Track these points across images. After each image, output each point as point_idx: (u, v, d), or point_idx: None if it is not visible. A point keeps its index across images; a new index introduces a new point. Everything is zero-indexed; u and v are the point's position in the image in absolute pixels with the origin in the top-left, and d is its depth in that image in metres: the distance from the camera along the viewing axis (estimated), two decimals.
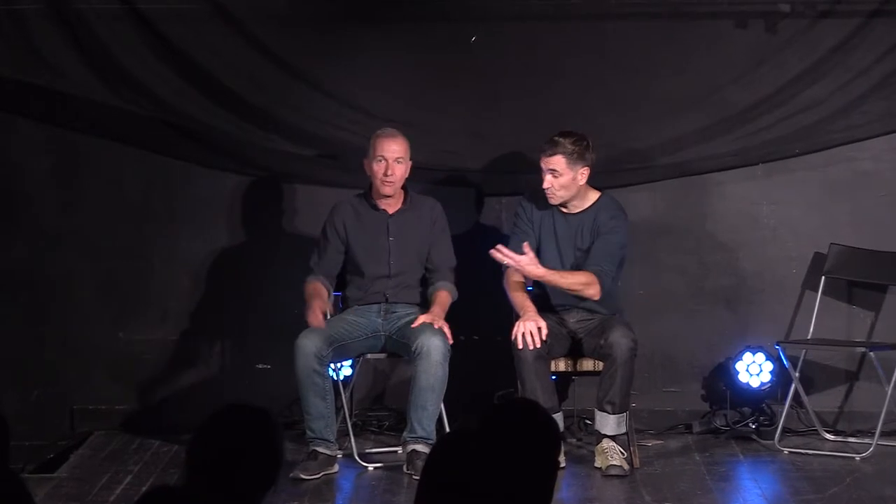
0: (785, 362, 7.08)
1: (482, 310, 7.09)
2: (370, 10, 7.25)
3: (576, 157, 6.66)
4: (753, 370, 7.31)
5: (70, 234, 7.47)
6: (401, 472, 6.59)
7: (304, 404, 6.59)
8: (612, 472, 6.54)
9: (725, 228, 7.44)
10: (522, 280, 6.76)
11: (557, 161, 6.66)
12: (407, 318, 6.72)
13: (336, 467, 6.67)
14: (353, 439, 6.80)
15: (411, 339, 6.57)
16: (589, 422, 7.06)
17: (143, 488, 6.33)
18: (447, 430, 6.66)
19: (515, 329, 6.57)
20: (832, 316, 7.32)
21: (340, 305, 6.87)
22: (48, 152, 7.45)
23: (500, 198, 7.41)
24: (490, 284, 6.82)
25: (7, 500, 3.45)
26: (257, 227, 7.50)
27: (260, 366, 7.47)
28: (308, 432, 6.62)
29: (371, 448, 7.04)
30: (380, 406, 7.51)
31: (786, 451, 6.99)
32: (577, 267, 6.74)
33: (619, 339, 6.55)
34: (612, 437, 6.60)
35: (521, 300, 6.71)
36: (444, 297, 6.76)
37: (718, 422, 7.32)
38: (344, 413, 6.83)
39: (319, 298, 6.69)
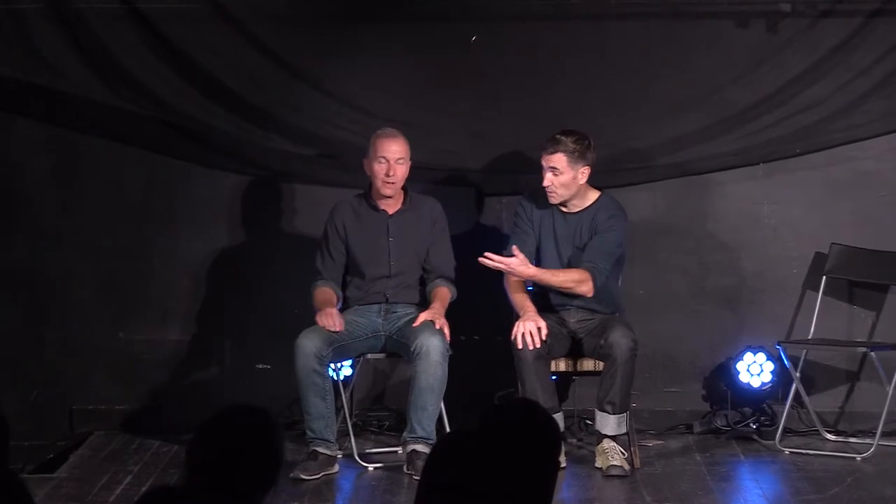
0: (786, 362, 7.08)
1: (482, 310, 7.09)
2: (370, 10, 7.25)
3: (577, 156, 6.66)
4: (754, 370, 7.30)
5: (70, 234, 7.46)
6: (401, 472, 6.58)
7: (304, 404, 6.58)
8: (613, 472, 6.54)
9: (726, 228, 7.43)
10: (522, 280, 6.76)
11: (558, 159, 6.66)
12: (407, 318, 6.71)
13: (336, 467, 6.66)
14: (353, 439, 6.80)
15: (411, 339, 6.56)
16: (589, 422, 7.05)
17: (143, 488, 6.32)
18: (447, 430, 6.65)
19: (515, 329, 6.57)
20: (833, 316, 7.31)
21: (340, 305, 6.86)
22: (48, 152, 7.44)
23: (501, 197, 7.41)
24: (490, 284, 6.81)
25: (7, 501, 3.44)
26: (257, 226, 7.49)
27: (260, 366, 7.47)
28: (308, 432, 6.61)
29: (371, 448, 7.03)
30: (380, 406, 7.51)
31: (787, 451, 6.99)
32: (575, 266, 6.73)
33: (619, 339, 6.55)
34: (613, 438, 6.59)
35: (521, 300, 6.71)
36: (443, 293, 6.76)
37: (719, 422, 7.32)
38: (344, 413, 6.83)
39: (331, 305, 6.68)
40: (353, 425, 6.98)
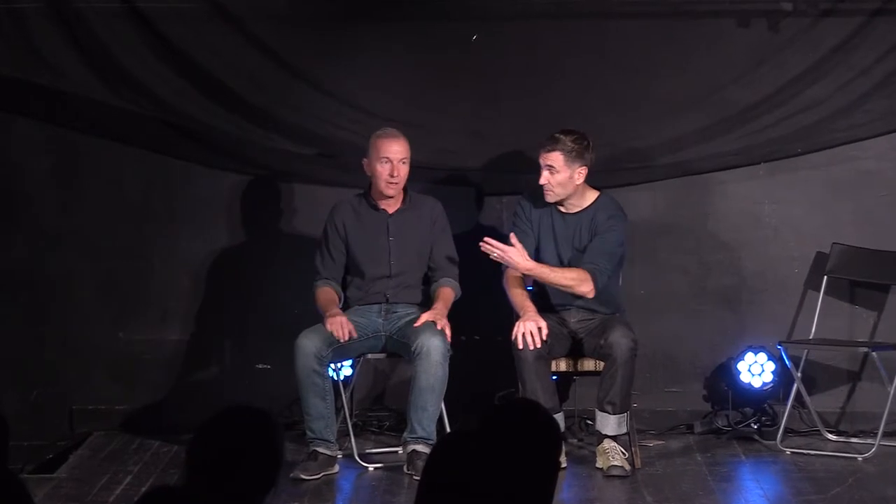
0: (787, 362, 7.07)
1: (482, 310, 7.08)
2: (370, 10, 7.24)
3: (574, 156, 6.65)
4: (755, 370, 7.30)
5: (70, 234, 7.46)
6: (401, 472, 6.58)
7: (304, 405, 6.58)
8: (614, 472, 6.53)
9: (727, 228, 7.43)
10: (522, 279, 6.75)
11: (555, 157, 6.65)
12: (408, 319, 6.71)
13: (336, 468, 6.66)
14: (353, 439, 6.79)
15: (411, 339, 6.56)
16: (590, 422, 7.04)
17: (143, 489, 6.31)
18: (447, 430, 6.64)
19: (516, 329, 6.56)
20: (834, 316, 7.30)
21: (341, 305, 6.85)
22: (48, 152, 7.44)
23: (501, 197, 7.41)
24: (490, 284, 6.81)
25: (6, 501, 3.44)
26: (257, 226, 7.49)
27: (260, 366, 7.46)
28: (308, 433, 6.61)
29: (371, 448, 7.03)
30: (380, 406, 7.50)
31: (788, 451, 6.98)
32: (574, 266, 6.72)
33: (619, 339, 6.54)
34: (614, 438, 6.59)
35: (521, 300, 6.70)
36: (446, 293, 6.75)
37: (720, 422, 7.31)
38: (344, 413, 6.82)
39: (336, 306, 6.67)
40: (354, 425, 6.97)
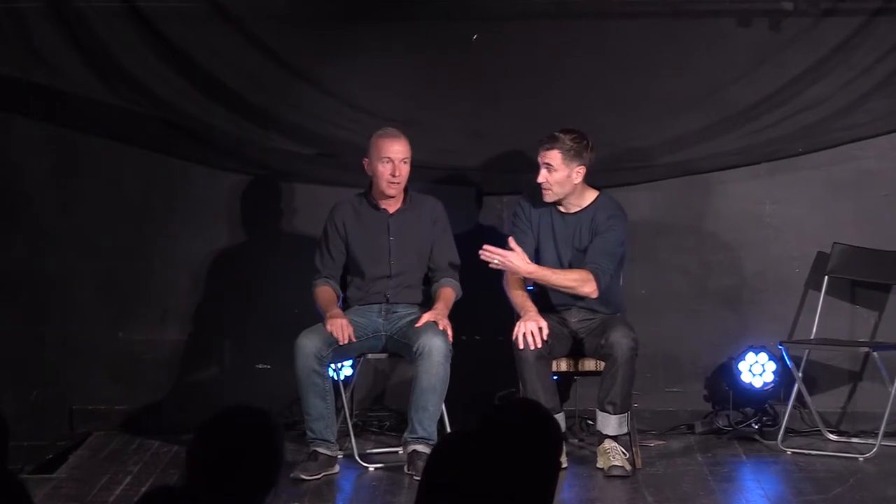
0: (788, 362, 7.06)
1: (483, 310, 7.07)
2: (370, 9, 7.24)
3: (572, 155, 6.64)
4: (756, 370, 7.29)
5: (70, 234, 7.45)
6: (401, 472, 6.57)
7: (304, 405, 6.57)
8: (614, 472, 6.52)
9: (728, 228, 7.42)
10: (523, 280, 6.74)
11: (553, 156, 6.64)
12: (408, 319, 6.70)
13: (336, 468, 6.65)
14: (353, 440, 6.79)
15: (413, 339, 6.55)
16: (591, 422, 7.03)
17: (143, 489, 6.31)
18: (448, 430, 6.63)
19: (516, 329, 6.55)
20: (835, 316, 7.29)
21: (341, 305, 6.84)
22: (48, 152, 7.43)
23: (501, 197, 7.40)
24: (491, 284, 6.80)
25: (6, 501, 3.44)
26: (257, 226, 7.48)
27: (260, 366, 7.45)
28: (308, 433, 6.60)
29: (372, 448, 7.02)
30: (380, 406, 7.49)
31: (789, 451, 6.97)
32: (575, 267, 6.71)
33: (619, 339, 6.53)
34: (614, 438, 6.58)
35: (521, 300, 6.69)
36: (447, 293, 6.75)
37: (721, 422, 7.30)
38: (344, 413, 6.81)
39: (336, 306, 6.67)
40: (354, 425, 6.97)
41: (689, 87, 7.25)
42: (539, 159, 6.68)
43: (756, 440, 7.16)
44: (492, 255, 6.55)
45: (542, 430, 3.34)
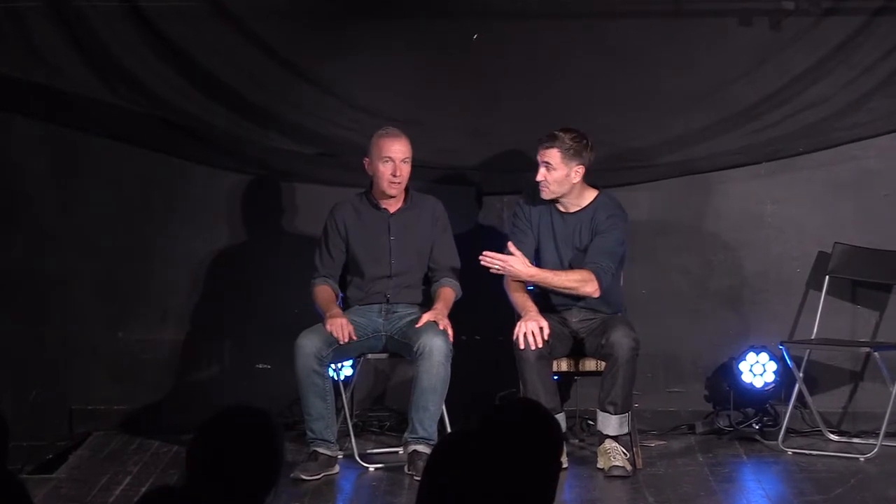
0: (789, 362, 7.05)
1: (483, 310, 7.06)
2: (370, 8, 7.23)
3: (572, 154, 6.63)
4: (757, 370, 7.28)
5: (70, 234, 7.44)
6: (402, 472, 6.56)
7: (305, 405, 6.56)
8: (615, 472, 6.51)
9: (729, 227, 7.41)
10: (522, 280, 6.73)
11: (553, 154, 6.63)
12: (408, 319, 6.69)
13: (337, 468, 6.64)
14: (353, 440, 6.78)
15: (413, 339, 6.54)
16: (591, 422, 7.02)
17: (143, 489, 6.31)
18: (448, 430, 6.63)
19: (517, 329, 6.54)
20: (836, 316, 7.29)
21: (341, 305, 6.83)
22: (48, 152, 7.43)
23: (501, 197, 7.39)
24: (491, 284, 6.79)
25: (6, 501, 3.43)
26: (257, 226, 7.48)
27: (260, 366, 7.45)
28: (308, 433, 6.59)
29: (372, 449, 7.02)
30: (380, 406, 7.49)
31: (789, 451, 6.96)
32: (576, 267, 6.70)
33: (620, 339, 6.52)
34: (615, 438, 6.57)
35: (522, 300, 6.68)
36: (447, 293, 6.74)
37: (722, 422, 7.29)
38: (344, 413, 6.81)
39: (335, 305, 6.66)
40: (354, 426, 6.96)
41: (690, 86, 7.24)
42: (538, 158, 6.67)
43: (757, 440, 7.16)
44: (492, 260, 6.54)
45: (542, 431, 3.33)
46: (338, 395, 6.71)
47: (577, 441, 7.15)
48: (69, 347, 7.47)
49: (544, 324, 6.53)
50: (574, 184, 6.69)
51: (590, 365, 6.76)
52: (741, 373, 7.29)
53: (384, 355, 6.87)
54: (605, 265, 6.64)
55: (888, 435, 6.93)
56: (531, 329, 6.50)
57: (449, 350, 6.50)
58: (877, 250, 7.22)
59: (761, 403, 7.30)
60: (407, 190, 6.83)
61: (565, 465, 6.53)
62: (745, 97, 7.20)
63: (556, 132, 6.66)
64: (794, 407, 7.10)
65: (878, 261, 7.21)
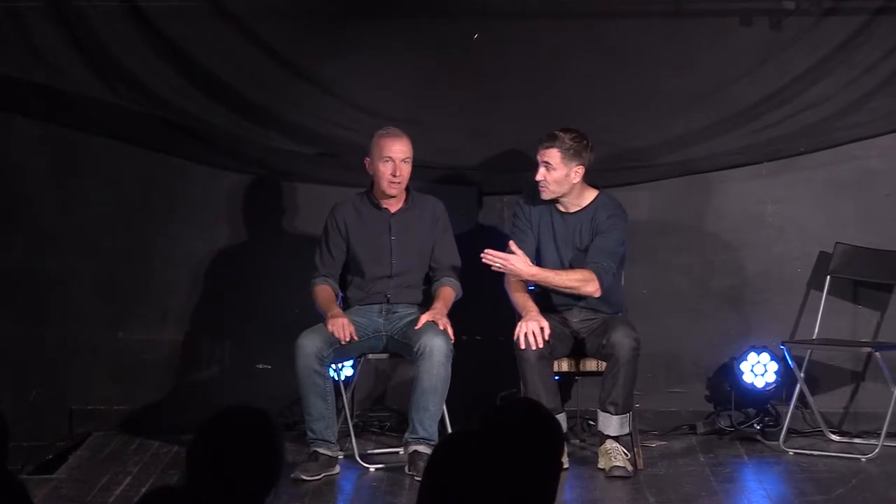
0: (790, 362, 7.05)
1: (484, 310, 7.06)
2: (370, 8, 7.23)
3: (571, 154, 6.62)
4: (758, 370, 7.27)
5: (70, 234, 7.44)
6: (402, 473, 6.55)
7: (305, 405, 6.56)
8: (616, 473, 6.51)
9: (730, 227, 7.40)
10: (524, 280, 6.72)
11: (552, 154, 6.63)
12: (409, 319, 6.68)
13: (337, 468, 6.64)
14: (354, 440, 6.77)
15: (414, 339, 6.53)
16: (592, 422, 7.02)
17: (143, 489, 6.30)
18: (449, 431, 6.62)
19: (518, 329, 6.53)
20: (837, 316, 7.28)
21: (342, 305, 6.83)
22: (48, 152, 7.42)
23: (502, 196, 7.38)
24: (491, 284, 6.78)
25: (6, 502, 3.43)
26: (258, 226, 7.47)
27: (260, 366, 7.44)
28: (309, 433, 6.59)
29: (372, 449, 7.01)
30: (381, 407, 7.48)
31: (791, 452, 6.96)
32: (576, 267, 6.69)
33: (621, 339, 6.51)
34: (616, 438, 6.56)
35: (522, 300, 6.67)
36: (447, 292, 6.73)
37: (723, 423, 7.28)
38: (345, 414, 6.80)
39: (336, 305, 6.65)
40: (354, 426, 6.96)
41: (690, 86, 7.23)
42: (538, 157, 6.67)
43: (758, 441, 7.15)
44: (493, 258, 6.53)
45: (543, 431, 3.33)
46: (338, 395, 6.70)
47: (577, 441, 7.14)
48: (69, 347, 7.47)
49: (545, 324, 6.53)
50: (574, 184, 6.68)
51: (591, 365, 6.76)
52: (742, 373, 7.28)
53: (385, 355, 6.87)
54: (606, 265, 6.63)
55: (889, 435, 6.92)
56: (532, 329, 6.49)
57: (449, 350, 6.50)
58: (878, 250, 7.22)
59: (762, 403, 7.29)
60: (408, 190, 6.82)
61: (566, 466, 6.53)
62: (746, 97, 7.20)
63: (557, 132, 6.65)
64: (796, 407, 7.10)
65: (879, 261, 7.20)
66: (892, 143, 7.29)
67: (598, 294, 6.62)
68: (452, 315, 6.68)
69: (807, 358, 7.11)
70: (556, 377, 6.68)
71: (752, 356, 7.27)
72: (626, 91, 7.24)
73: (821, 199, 7.35)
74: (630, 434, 6.64)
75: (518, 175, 7.11)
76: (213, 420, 3.36)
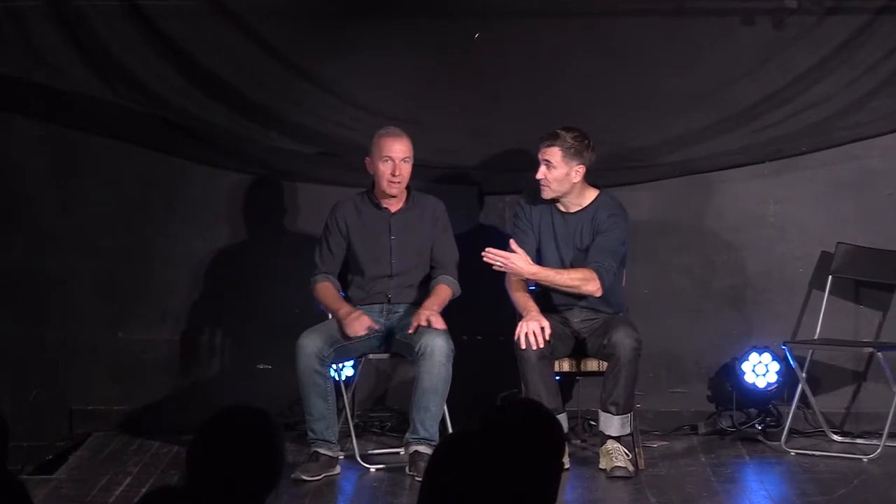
0: (791, 363, 7.04)
1: (484, 310, 7.05)
2: (370, 8, 7.22)
3: (573, 153, 6.61)
4: (760, 370, 7.26)
5: (70, 234, 7.43)
6: (403, 473, 6.55)
7: (306, 405, 6.55)
8: (617, 473, 6.50)
9: (731, 227, 7.40)
10: (525, 280, 6.71)
11: (553, 153, 6.62)
12: (410, 319, 6.66)
13: (338, 469, 6.63)
14: (354, 440, 6.77)
15: (415, 339, 6.52)
16: (593, 423, 7.01)
17: (143, 490, 6.29)
18: (450, 431, 6.61)
19: (518, 329, 6.52)
20: (839, 316, 7.27)
21: None
22: (48, 152, 7.42)
23: (503, 196, 7.37)
24: (492, 284, 6.78)
25: (6, 502, 3.43)
26: (258, 225, 7.46)
27: (261, 366, 7.43)
28: (309, 433, 6.58)
29: (373, 449, 7.00)
30: (382, 407, 7.47)
31: (792, 452, 6.95)
32: (577, 267, 6.68)
33: (622, 339, 6.50)
34: (617, 439, 6.55)
35: (523, 300, 6.66)
36: (442, 290, 6.72)
37: (724, 423, 7.27)
38: (346, 414, 6.79)
39: (345, 302, 6.64)
40: (355, 426, 6.95)
41: (692, 85, 7.22)
42: (539, 155, 6.66)
43: (759, 441, 7.14)
44: (494, 257, 6.52)
45: (544, 431, 3.32)
46: (339, 395, 6.70)
47: (579, 441, 7.14)
48: (69, 347, 7.46)
49: (546, 324, 6.52)
50: (574, 183, 6.67)
51: (592, 365, 6.75)
52: (744, 373, 7.27)
53: (385, 355, 6.86)
54: (607, 264, 6.62)
55: (891, 435, 6.91)
56: (532, 329, 6.48)
57: (451, 350, 6.49)
58: (880, 250, 7.21)
59: (764, 404, 7.28)
60: (409, 190, 6.81)
61: (567, 466, 6.53)
62: (747, 96, 7.19)
63: (558, 130, 6.64)
64: (797, 407, 7.08)
65: (881, 261, 7.20)
66: (893, 142, 7.28)
67: (599, 293, 6.61)
68: (453, 314, 6.68)
69: (808, 358, 7.10)
70: (557, 377, 6.68)
71: (754, 356, 7.26)
72: (626, 91, 7.23)
73: (822, 198, 7.34)
74: (631, 434, 6.63)
75: (518, 175, 7.10)
76: (214, 420, 3.35)
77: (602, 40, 7.25)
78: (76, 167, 7.42)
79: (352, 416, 6.88)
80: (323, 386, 6.53)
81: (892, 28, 7.09)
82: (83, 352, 7.46)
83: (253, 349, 7.44)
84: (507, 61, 7.28)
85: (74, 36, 7.19)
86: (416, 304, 6.79)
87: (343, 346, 6.60)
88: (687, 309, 7.41)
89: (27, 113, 7.36)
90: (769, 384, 7.26)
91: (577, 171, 6.65)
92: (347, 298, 6.83)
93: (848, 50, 7.10)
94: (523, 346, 6.49)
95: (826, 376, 7.34)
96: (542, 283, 6.69)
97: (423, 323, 6.51)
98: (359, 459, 6.71)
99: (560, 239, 6.74)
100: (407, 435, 6.56)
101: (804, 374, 7.05)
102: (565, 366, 6.74)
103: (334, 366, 6.65)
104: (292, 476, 6.42)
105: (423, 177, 7.12)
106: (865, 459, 6.82)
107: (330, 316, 6.76)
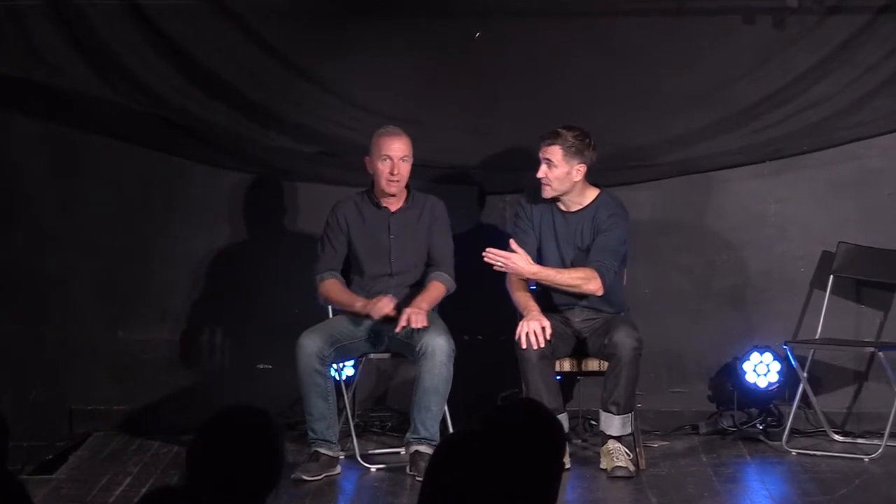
0: (793, 362, 7.03)
1: (485, 310, 7.05)
2: (370, 8, 7.22)
3: (574, 152, 6.61)
4: (761, 370, 7.26)
5: (70, 234, 7.43)
6: (404, 473, 6.54)
7: (306, 405, 6.54)
8: (618, 473, 6.49)
9: (732, 227, 7.39)
10: (525, 280, 6.70)
11: (554, 152, 6.61)
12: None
13: (338, 469, 6.63)
14: (355, 440, 6.76)
15: (416, 339, 6.51)
16: (594, 422, 7.01)
17: (143, 490, 6.29)
18: (451, 431, 6.60)
19: (519, 329, 6.51)
20: (840, 315, 7.26)
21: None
22: (48, 151, 7.41)
23: (503, 196, 7.37)
24: (493, 284, 6.77)
25: (6, 502, 3.42)
26: (258, 225, 7.46)
27: (261, 366, 7.43)
28: (310, 433, 6.58)
29: (373, 449, 7.00)
30: (382, 407, 7.47)
31: (794, 452, 6.94)
32: (578, 266, 6.67)
33: (623, 339, 6.50)
34: (618, 438, 6.55)
35: (524, 300, 6.66)
36: (434, 286, 6.69)
37: (725, 423, 7.27)
38: (346, 414, 6.78)
39: (356, 295, 6.62)
40: (356, 426, 6.94)
41: (692, 85, 7.22)
42: (540, 154, 6.65)
43: (761, 441, 7.13)
44: (495, 257, 6.52)
45: (544, 431, 3.31)
46: (339, 395, 6.69)
47: (579, 441, 7.13)
48: (69, 347, 7.46)
49: (546, 323, 6.51)
50: (575, 182, 6.67)
51: (592, 365, 6.74)
52: (745, 373, 7.27)
53: (386, 355, 6.85)
54: (608, 263, 6.61)
55: (893, 435, 6.91)
56: (533, 329, 6.48)
57: (452, 350, 6.49)
58: (881, 249, 7.20)
59: (765, 404, 7.28)
60: (409, 189, 6.81)
61: (568, 466, 6.52)
62: (748, 96, 7.18)
63: (559, 129, 6.64)
64: (798, 407, 7.08)
65: (882, 260, 7.19)
66: (894, 142, 7.27)
67: (600, 292, 6.60)
68: (453, 314, 6.68)
69: (810, 358, 7.10)
70: (558, 377, 6.67)
71: (755, 356, 7.25)
72: (626, 91, 7.23)
73: (823, 198, 7.34)
74: (632, 434, 6.62)
75: (519, 174, 7.10)
76: (214, 420, 3.35)
77: (602, 40, 7.24)
78: (76, 167, 7.42)
79: (352, 415, 6.88)
80: (323, 386, 6.53)
81: (892, 28, 7.08)
82: (83, 352, 7.46)
83: (253, 349, 7.44)
84: (507, 61, 7.27)
85: (74, 35, 7.19)
86: None
87: (343, 346, 6.60)
88: (688, 309, 7.41)
89: (27, 112, 7.36)
90: (770, 384, 7.25)
91: (578, 170, 6.64)
92: None
93: (849, 49, 7.09)
94: (524, 346, 6.48)
95: (827, 376, 7.34)
96: (543, 282, 6.68)
97: (404, 323, 6.48)
98: (359, 459, 6.71)
99: (561, 238, 6.73)
100: (408, 435, 6.56)
101: (805, 374, 7.04)
102: (566, 365, 6.74)
103: (335, 365, 6.64)
104: (293, 476, 6.42)
105: (424, 176, 7.11)
106: (867, 459, 6.82)
107: (331, 315, 6.75)
